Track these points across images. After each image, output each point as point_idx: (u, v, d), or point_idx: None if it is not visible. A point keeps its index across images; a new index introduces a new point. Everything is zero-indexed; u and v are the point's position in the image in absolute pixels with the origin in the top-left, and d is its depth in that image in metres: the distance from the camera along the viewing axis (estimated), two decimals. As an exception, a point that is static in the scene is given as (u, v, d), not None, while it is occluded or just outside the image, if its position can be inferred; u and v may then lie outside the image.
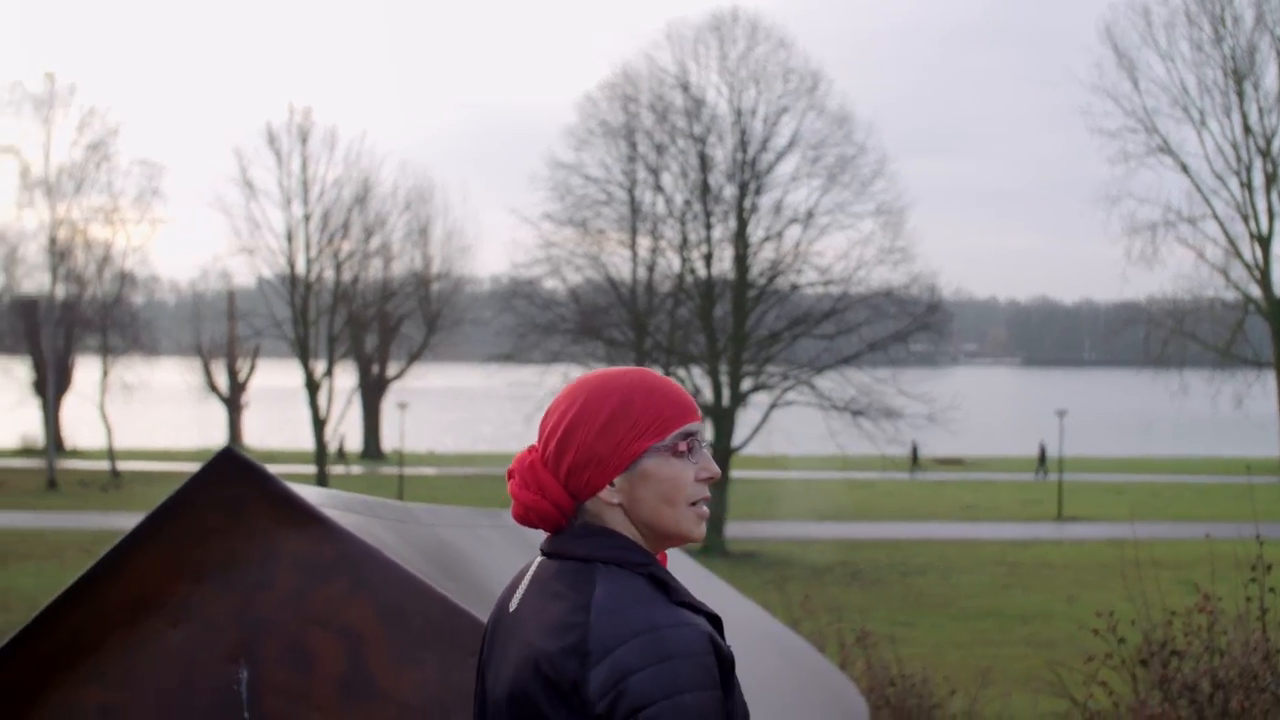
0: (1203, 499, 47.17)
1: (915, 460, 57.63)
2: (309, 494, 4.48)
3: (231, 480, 4.42)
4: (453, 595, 4.35)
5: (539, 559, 2.68)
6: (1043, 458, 58.05)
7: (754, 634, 7.63)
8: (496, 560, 5.46)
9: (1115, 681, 7.84)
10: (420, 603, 4.30)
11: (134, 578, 4.43)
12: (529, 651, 2.50)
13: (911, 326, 43.05)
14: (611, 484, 2.60)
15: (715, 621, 2.59)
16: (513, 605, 2.64)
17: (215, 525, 4.43)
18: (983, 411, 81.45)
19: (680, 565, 7.86)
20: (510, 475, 2.69)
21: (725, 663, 2.51)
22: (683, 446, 2.61)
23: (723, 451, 39.99)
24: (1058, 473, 46.82)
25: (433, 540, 5.13)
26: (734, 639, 6.93)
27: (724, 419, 40.68)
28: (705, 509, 2.64)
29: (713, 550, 36.53)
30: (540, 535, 2.72)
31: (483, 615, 4.33)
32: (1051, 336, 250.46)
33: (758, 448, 42.91)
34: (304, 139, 53.29)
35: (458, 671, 4.24)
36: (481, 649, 2.75)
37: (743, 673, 6.25)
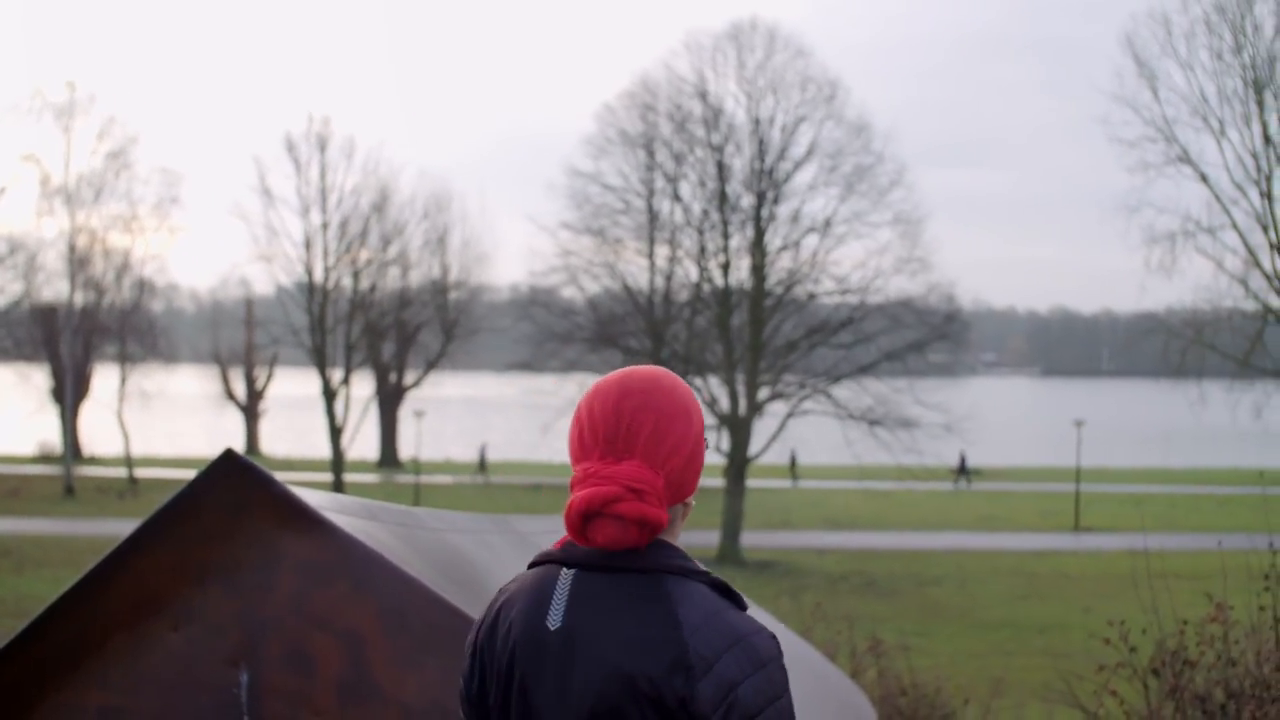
0: (1221, 510, 47.00)
1: (793, 469, 56.98)
2: (310, 497, 4.47)
3: (233, 482, 4.41)
4: (455, 599, 4.33)
5: (564, 570, 2.60)
6: (962, 466, 57.12)
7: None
8: (501, 566, 5.44)
9: (1127, 691, 7.79)
10: (421, 606, 4.28)
11: (135, 580, 4.43)
12: (616, 671, 2.48)
13: (929, 336, 42.94)
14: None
15: None
16: (553, 621, 2.55)
17: (216, 527, 4.42)
18: (1002, 422, 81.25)
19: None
20: (625, 496, 2.54)
21: None
22: None
23: (739, 460, 39.96)
24: (1075, 483, 46.63)
25: (437, 545, 5.12)
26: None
27: (740, 428, 40.61)
28: None
29: (728, 559, 36.48)
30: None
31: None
32: (1070, 347, 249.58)
33: (774, 457, 42.82)
34: (323, 147, 53.39)
35: (459, 675, 4.21)
36: (508, 670, 2.61)
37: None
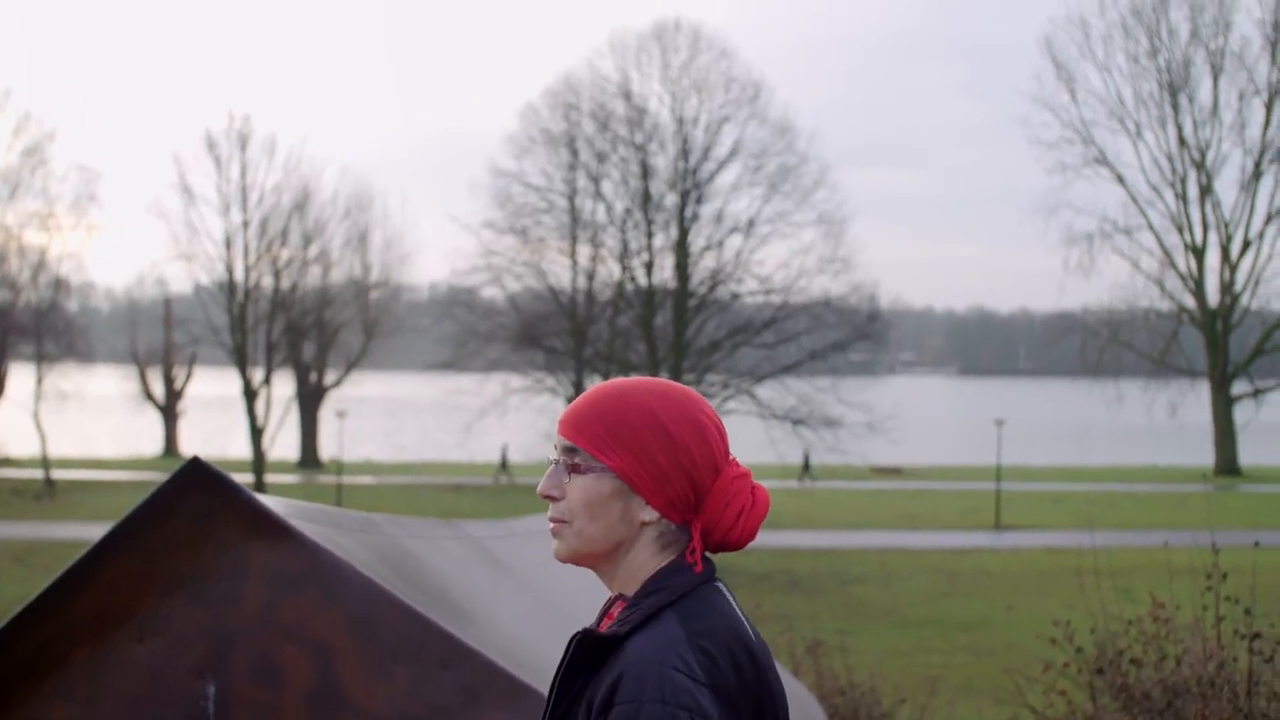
0: (1140, 507, 47.54)
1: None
2: (277, 505, 4.42)
3: (199, 491, 4.36)
4: (421, 607, 4.30)
5: (717, 584, 2.54)
6: (806, 464, 56.51)
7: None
8: (460, 572, 5.42)
9: (1070, 690, 7.85)
10: (389, 615, 4.25)
11: (100, 591, 4.36)
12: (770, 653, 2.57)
13: (851, 336, 43.27)
14: None
15: None
16: (754, 634, 2.51)
17: (183, 537, 4.36)
18: (921, 421, 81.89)
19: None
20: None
21: None
22: None
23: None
24: (996, 481, 47.06)
25: (397, 551, 5.08)
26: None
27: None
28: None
29: (654, 559, 36.49)
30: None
31: (451, 627, 4.28)
32: (988, 346, 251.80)
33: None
34: (243, 145, 52.97)
35: (428, 684, 4.19)
36: (762, 693, 2.44)
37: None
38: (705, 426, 2.50)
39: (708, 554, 2.53)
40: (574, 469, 2.48)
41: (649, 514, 2.47)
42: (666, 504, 2.47)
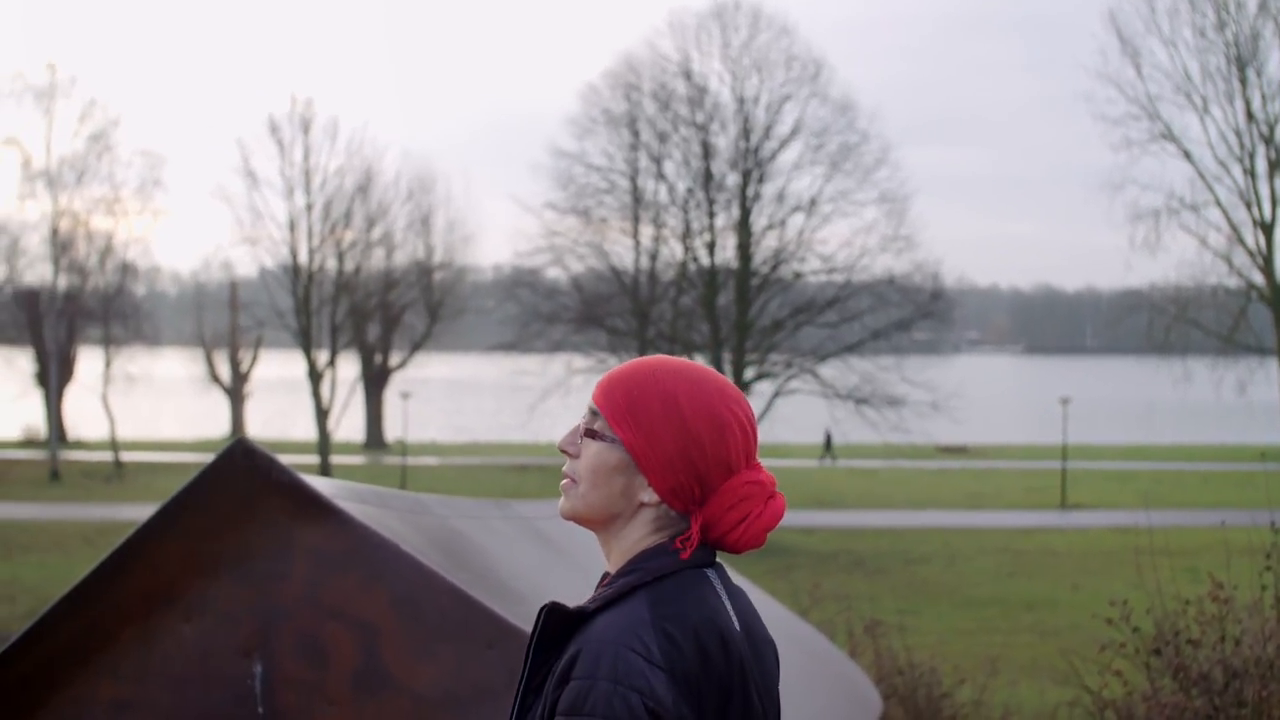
0: (1207, 486, 47.11)
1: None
2: (322, 485, 4.44)
3: (245, 472, 4.39)
4: (466, 587, 4.31)
5: (707, 572, 2.49)
6: (828, 443, 55.55)
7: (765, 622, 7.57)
8: (508, 552, 5.43)
9: (1127, 670, 7.79)
10: (434, 594, 4.26)
11: (147, 571, 4.40)
12: (772, 644, 2.56)
13: (915, 315, 43.03)
14: None
15: None
16: (738, 625, 2.45)
17: (229, 517, 4.39)
18: (986, 399, 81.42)
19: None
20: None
21: None
22: None
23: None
24: (1062, 460, 46.70)
25: (445, 531, 5.09)
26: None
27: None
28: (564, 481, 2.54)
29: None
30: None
31: (497, 606, 4.28)
32: (1053, 324, 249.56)
33: (761, 436, 42.84)
34: (306, 129, 53.22)
35: (472, 663, 4.20)
36: (742, 689, 2.41)
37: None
38: (727, 423, 2.49)
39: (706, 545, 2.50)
40: (591, 433, 2.50)
41: (649, 495, 2.47)
42: (669, 490, 2.46)
